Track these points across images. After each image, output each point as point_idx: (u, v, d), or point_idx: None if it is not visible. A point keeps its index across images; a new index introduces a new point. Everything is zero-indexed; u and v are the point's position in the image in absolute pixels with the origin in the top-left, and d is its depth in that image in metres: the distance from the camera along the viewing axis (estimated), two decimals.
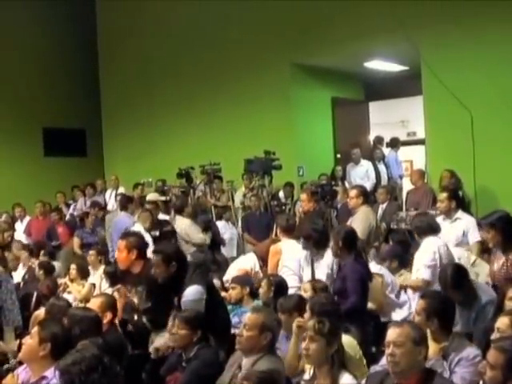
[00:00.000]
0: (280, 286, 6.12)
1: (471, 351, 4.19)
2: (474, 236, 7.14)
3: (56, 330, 4.06)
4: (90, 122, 15.67)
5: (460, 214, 7.35)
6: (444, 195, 7.46)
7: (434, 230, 6.38)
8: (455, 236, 7.17)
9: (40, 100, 15.10)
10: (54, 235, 11.37)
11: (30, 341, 4.05)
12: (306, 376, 4.22)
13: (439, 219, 7.29)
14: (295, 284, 6.54)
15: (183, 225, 9.00)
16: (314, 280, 6.09)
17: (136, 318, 5.69)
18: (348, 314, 5.26)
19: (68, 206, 13.15)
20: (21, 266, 9.58)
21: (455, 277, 5.26)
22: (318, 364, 3.98)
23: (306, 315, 4.76)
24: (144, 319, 5.60)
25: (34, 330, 4.10)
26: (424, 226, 6.39)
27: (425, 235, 6.32)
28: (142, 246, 5.71)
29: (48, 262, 9.10)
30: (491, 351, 3.41)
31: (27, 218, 12.39)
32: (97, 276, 8.40)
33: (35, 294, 7.91)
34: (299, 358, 4.48)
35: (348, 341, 4.46)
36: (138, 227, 8.38)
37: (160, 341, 5.35)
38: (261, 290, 6.23)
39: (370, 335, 5.51)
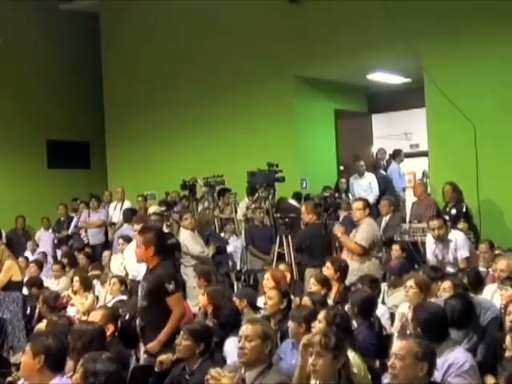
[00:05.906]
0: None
1: (458, 356, 4.17)
2: (463, 252, 7.45)
3: (48, 342, 4.05)
4: (93, 134, 15.69)
5: (450, 234, 7.57)
6: (439, 222, 7.58)
7: None
8: (449, 256, 7.46)
9: (44, 112, 15.12)
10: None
11: (25, 357, 4.04)
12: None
13: (431, 241, 7.57)
14: None
15: (183, 237, 9.03)
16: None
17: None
18: None
19: (70, 218, 13.11)
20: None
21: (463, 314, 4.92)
22: (325, 379, 3.93)
23: (317, 326, 4.75)
24: (138, 321, 5.64)
25: (27, 346, 4.11)
26: None
27: None
28: (159, 242, 5.72)
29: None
30: None
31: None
32: (104, 289, 8.44)
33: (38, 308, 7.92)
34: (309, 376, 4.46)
35: (351, 356, 4.42)
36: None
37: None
38: (270, 302, 5.92)
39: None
